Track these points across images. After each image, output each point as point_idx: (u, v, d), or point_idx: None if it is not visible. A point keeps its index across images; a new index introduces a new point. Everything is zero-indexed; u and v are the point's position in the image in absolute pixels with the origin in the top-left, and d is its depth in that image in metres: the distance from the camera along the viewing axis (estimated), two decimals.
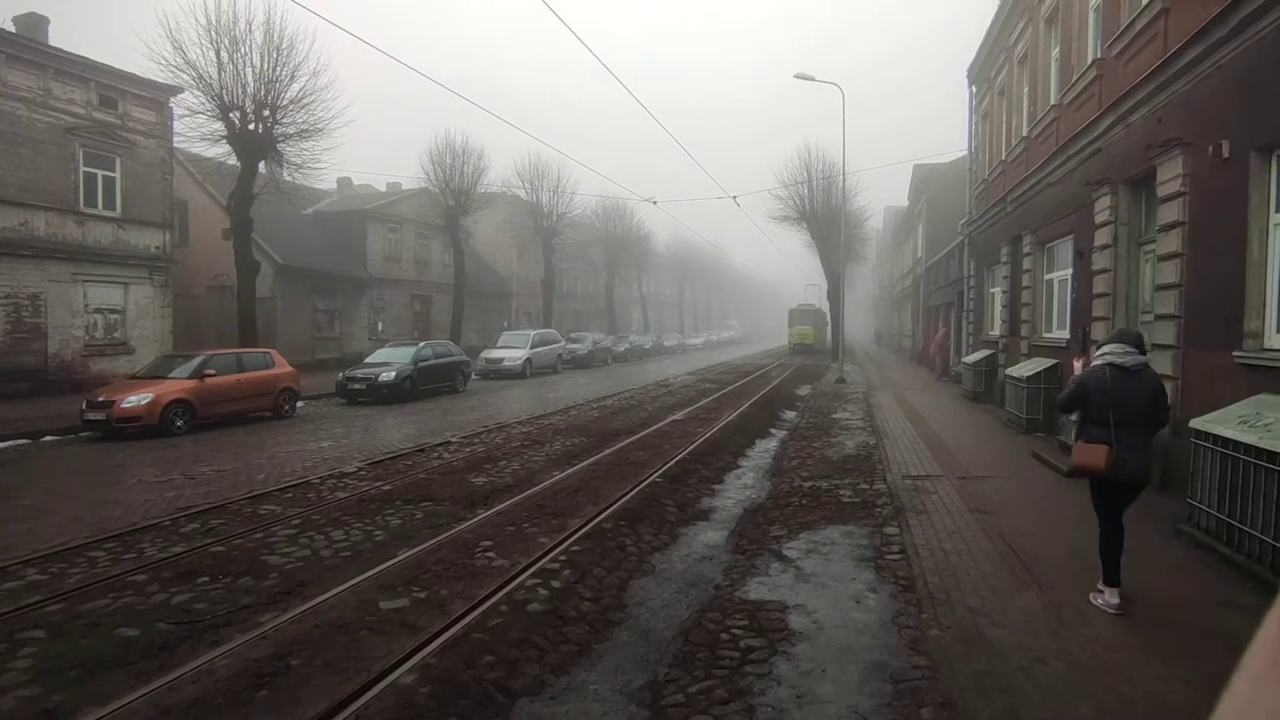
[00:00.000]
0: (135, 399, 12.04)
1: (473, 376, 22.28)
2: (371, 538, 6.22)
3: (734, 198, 30.02)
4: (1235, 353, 6.20)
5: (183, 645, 4.14)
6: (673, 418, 13.93)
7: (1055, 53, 12.11)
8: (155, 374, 13.26)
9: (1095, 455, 4.39)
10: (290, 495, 7.83)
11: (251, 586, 5.08)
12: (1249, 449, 4.94)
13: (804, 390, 20.22)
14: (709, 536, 6.44)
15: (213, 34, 16.45)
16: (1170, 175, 7.41)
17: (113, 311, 18.35)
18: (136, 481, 8.72)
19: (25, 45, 16.51)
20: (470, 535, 6.26)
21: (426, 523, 6.68)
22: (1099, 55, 9.68)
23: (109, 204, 18.18)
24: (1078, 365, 5.66)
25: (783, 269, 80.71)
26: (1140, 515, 5.72)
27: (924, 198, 31.18)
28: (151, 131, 18.98)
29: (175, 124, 18.78)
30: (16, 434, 11.73)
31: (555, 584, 5.07)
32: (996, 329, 16.15)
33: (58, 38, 18.32)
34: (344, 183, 35.01)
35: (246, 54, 16.68)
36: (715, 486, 8.40)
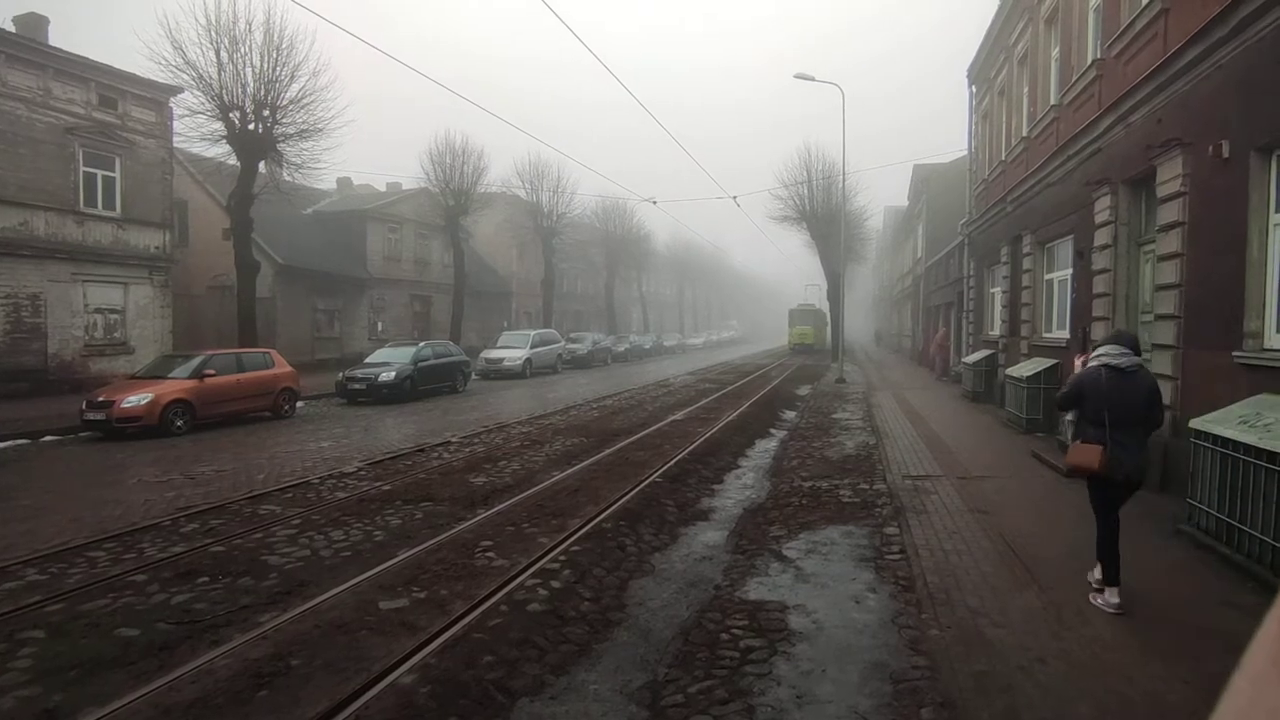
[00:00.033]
0: (135, 399, 12.05)
1: (473, 376, 22.28)
2: (371, 538, 6.22)
3: (734, 198, 30.06)
4: (1235, 353, 6.20)
5: (183, 645, 4.14)
6: (672, 418, 13.93)
7: (1055, 53, 12.11)
8: (155, 374, 13.27)
9: (1090, 455, 4.45)
10: (290, 495, 7.83)
11: (251, 586, 5.08)
12: (1249, 449, 4.95)
13: (804, 390, 20.22)
14: (709, 536, 6.44)
15: (212, 34, 16.48)
16: (1170, 175, 7.42)
17: (112, 311, 18.35)
18: (136, 481, 8.72)
19: (25, 45, 16.52)
20: (470, 535, 6.27)
21: (426, 523, 6.68)
22: (1099, 55, 9.68)
23: (109, 204, 18.18)
24: (1079, 363, 5.67)
25: (783, 269, 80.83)
26: (1140, 515, 5.74)
27: (924, 198, 31.19)
28: (151, 131, 18.98)
29: (175, 124, 18.81)
30: (16, 434, 11.74)
31: (555, 584, 5.07)
32: (996, 329, 16.15)
33: (58, 38, 18.36)
34: (344, 183, 35.01)
35: (246, 54, 16.71)
36: (715, 486, 8.40)
